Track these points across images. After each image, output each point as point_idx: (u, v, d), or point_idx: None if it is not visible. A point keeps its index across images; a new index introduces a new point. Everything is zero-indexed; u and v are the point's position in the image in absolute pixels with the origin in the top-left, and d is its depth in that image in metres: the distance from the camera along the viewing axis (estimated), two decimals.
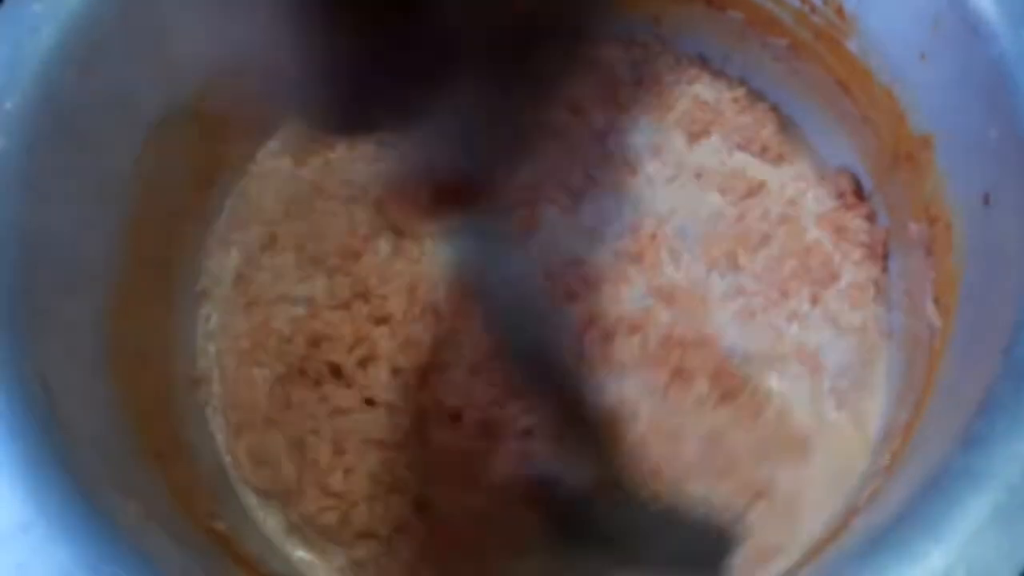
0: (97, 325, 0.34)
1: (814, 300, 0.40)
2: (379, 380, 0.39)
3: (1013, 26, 0.31)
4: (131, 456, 0.33)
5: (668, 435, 0.37)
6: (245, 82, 0.38)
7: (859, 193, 0.41)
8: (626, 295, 0.40)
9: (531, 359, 0.38)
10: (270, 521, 0.38)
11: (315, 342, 0.39)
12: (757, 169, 0.42)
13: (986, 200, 0.32)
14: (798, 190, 0.42)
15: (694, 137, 0.43)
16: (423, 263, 0.41)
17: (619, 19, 0.43)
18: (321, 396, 0.39)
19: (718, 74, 0.44)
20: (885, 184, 0.38)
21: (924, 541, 0.25)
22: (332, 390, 0.39)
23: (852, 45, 0.38)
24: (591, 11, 0.36)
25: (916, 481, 0.27)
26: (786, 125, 0.43)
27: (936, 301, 0.34)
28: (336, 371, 0.39)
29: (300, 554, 0.38)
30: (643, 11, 0.43)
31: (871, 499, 0.31)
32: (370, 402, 0.39)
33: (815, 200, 0.41)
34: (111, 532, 0.28)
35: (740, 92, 0.44)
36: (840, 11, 0.37)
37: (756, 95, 0.44)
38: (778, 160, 0.42)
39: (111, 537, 0.27)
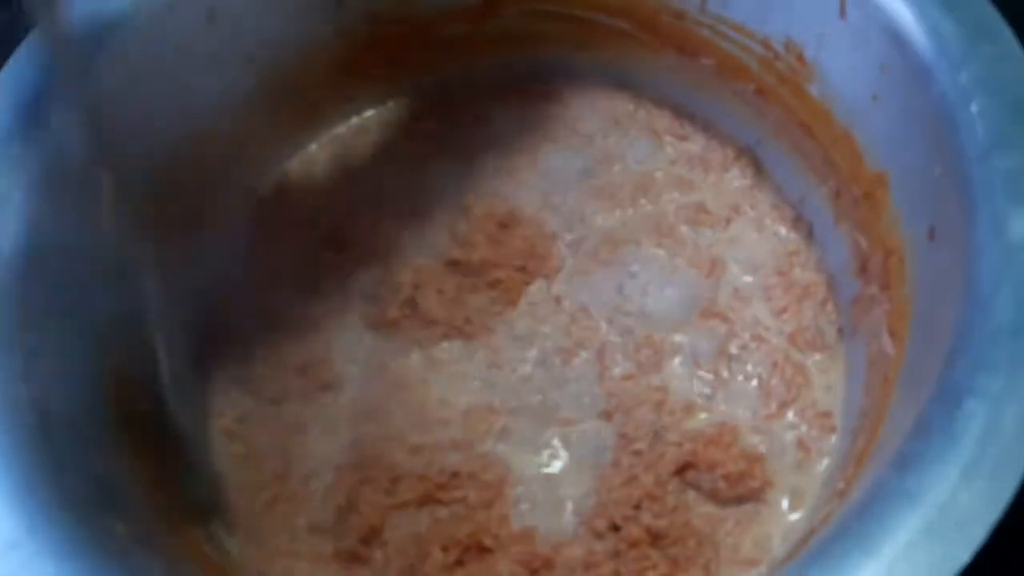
0: (95, 350, 0.35)
1: None
2: None
3: (951, 69, 0.32)
4: (124, 480, 0.34)
5: None
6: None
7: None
8: None
9: None
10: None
11: None
12: None
13: (931, 234, 0.33)
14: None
15: None
16: None
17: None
18: None
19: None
20: (847, 220, 0.39)
21: (857, 556, 0.26)
22: None
23: (813, 89, 0.39)
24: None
25: (857, 501, 0.28)
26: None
27: (891, 332, 0.35)
28: None
29: None
30: (613, 59, 0.45)
31: (825, 521, 0.33)
32: None
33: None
34: (99, 552, 0.29)
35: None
36: (801, 57, 0.39)
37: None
38: None
39: (99, 556, 0.28)
